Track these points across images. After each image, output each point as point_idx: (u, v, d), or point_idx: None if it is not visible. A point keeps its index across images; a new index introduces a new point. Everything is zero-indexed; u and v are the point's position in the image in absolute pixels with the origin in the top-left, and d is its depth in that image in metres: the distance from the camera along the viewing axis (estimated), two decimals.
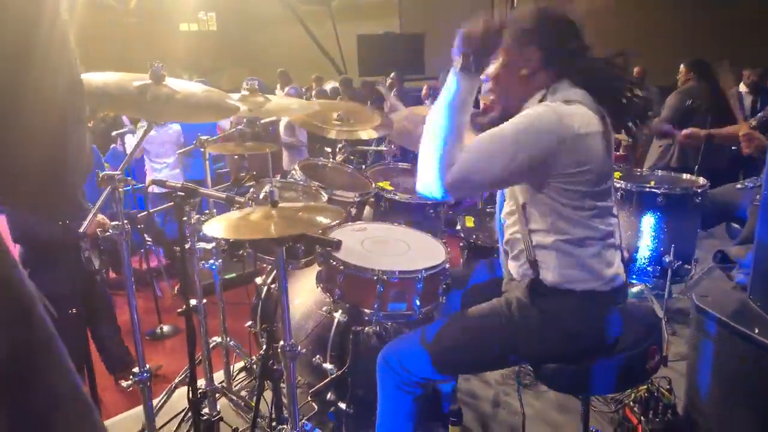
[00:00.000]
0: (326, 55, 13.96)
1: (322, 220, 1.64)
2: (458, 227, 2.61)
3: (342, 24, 13.85)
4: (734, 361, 2.04)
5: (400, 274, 1.92)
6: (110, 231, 1.71)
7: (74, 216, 2.09)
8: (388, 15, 13.81)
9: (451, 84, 1.57)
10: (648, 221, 3.10)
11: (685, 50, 5.94)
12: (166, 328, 3.76)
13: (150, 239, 4.16)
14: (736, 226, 3.32)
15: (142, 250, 4.24)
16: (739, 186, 3.39)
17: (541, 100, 1.61)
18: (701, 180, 3.21)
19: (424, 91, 8.11)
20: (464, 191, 1.57)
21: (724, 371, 2.09)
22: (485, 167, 1.51)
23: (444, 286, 2.03)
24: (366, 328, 2.08)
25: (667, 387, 2.41)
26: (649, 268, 3.13)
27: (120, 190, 1.69)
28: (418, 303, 1.95)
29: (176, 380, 2.57)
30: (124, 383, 2.04)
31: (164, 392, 2.51)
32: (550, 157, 1.51)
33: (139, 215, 1.92)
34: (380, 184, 2.63)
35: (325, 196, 2.31)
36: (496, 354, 1.74)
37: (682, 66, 5.38)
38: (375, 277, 1.89)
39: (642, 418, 2.39)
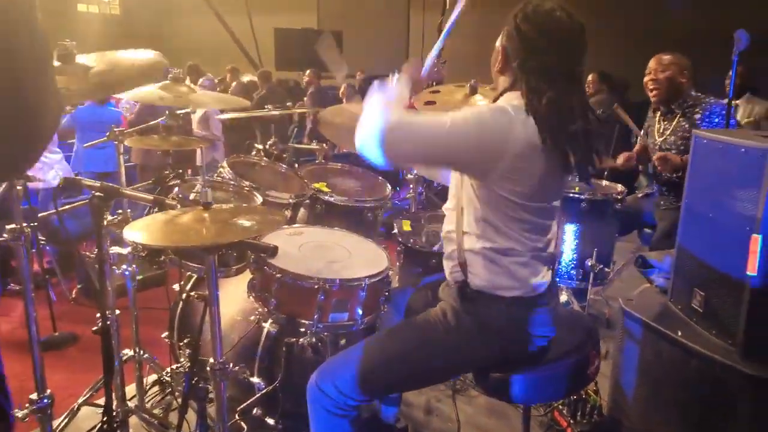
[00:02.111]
0: (240, 47, 13.51)
1: (261, 225, 1.51)
2: (395, 231, 2.55)
3: (257, 16, 13.48)
4: (658, 362, 2.10)
5: (342, 282, 1.82)
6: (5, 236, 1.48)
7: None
8: (306, 10, 13.60)
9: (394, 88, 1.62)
10: (571, 226, 3.18)
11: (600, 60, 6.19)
12: (60, 335, 3.39)
13: (44, 238, 3.78)
14: (649, 231, 3.49)
15: (34, 250, 3.82)
16: (640, 195, 3.58)
17: (496, 99, 1.60)
18: (619, 186, 3.35)
19: (342, 89, 8.00)
20: (400, 152, 1.50)
21: (649, 372, 2.16)
22: (425, 132, 1.50)
23: (386, 294, 1.95)
24: (300, 340, 1.95)
25: (594, 388, 2.46)
26: (572, 271, 3.22)
27: (18, 187, 1.46)
28: (360, 312, 1.86)
29: (80, 400, 2.32)
30: (19, 413, 1.75)
31: (66, 413, 2.26)
32: (490, 153, 1.48)
33: (40, 215, 1.68)
34: (316, 185, 2.51)
35: (259, 198, 2.16)
36: (440, 367, 1.71)
37: (592, 76, 5.63)
38: (316, 286, 1.78)
39: (571, 420, 2.44)
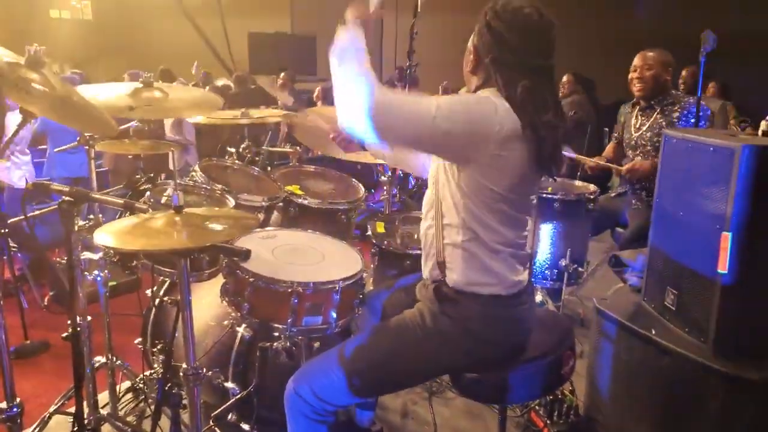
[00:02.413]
0: (214, 51, 13.40)
1: (234, 228, 1.49)
2: (369, 233, 2.53)
3: (230, 20, 13.38)
4: (633, 360, 2.13)
5: (315, 285, 1.80)
6: None
7: None
8: (279, 14, 13.54)
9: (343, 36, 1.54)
10: (545, 226, 3.21)
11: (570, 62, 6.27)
12: (32, 343, 3.32)
13: (15, 244, 3.69)
14: (621, 230, 3.53)
15: (5, 257, 3.73)
16: (613, 195, 3.63)
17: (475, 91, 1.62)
18: (592, 187, 3.38)
19: (316, 93, 7.99)
20: (390, 132, 1.48)
21: (624, 371, 2.18)
22: (412, 111, 1.47)
23: (360, 296, 1.94)
24: (275, 344, 1.93)
25: (570, 388, 2.48)
26: (546, 271, 3.24)
27: None
28: (334, 316, 1.84)
29: (52, 408, 2.26)
30: None
31: (37, 422, 2.20)
32: (477, 136, 1.49)
33: (9, 221, 1.64)
34: (289, 187, 2.49)
35: (231, 201, 2.13)
36: (420, 369, 1.71)
37: (567, 76, 5.68)
38: (290, 290, 1.76)
39: (547, 420, 2.45)
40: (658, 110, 3.17)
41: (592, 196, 3.23)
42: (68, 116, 1.62)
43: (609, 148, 3.67)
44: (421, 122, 1.46)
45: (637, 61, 3.19)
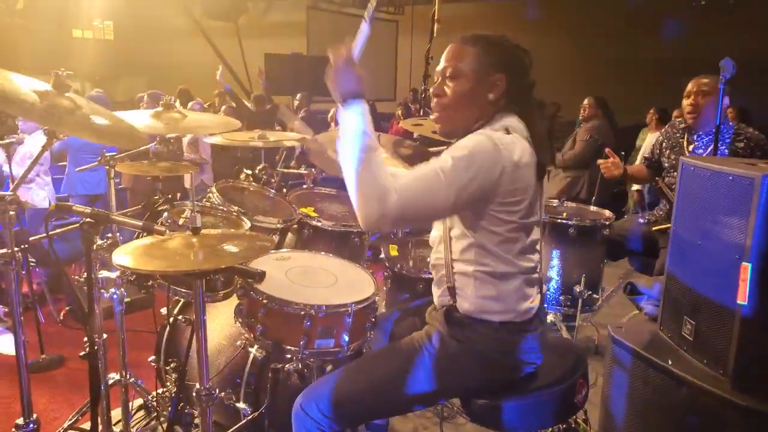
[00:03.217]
0: (231, 72, 13.62)
1: (251, 250, 1.50)
2: (382, 255, 2.54)
3: (247, 41, 13.60)
4: (648, 391, 2.09)
5: (328, 308, 1.80)
6: None
7: None
8: (295, 35, 13.74)
9: (344, 120, 1.49)
10: (559, 251, 3.19)
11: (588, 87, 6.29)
12: (47, 358, 3.34)
13: (34, 261, 3.75)
14: (638, 257, 3.49)
15: (24, 272, 3.78)
16: (628, 220, 3.59)
17: (484, 124, 1.61)
18: (607, 212, 3.36)
19: (331, 113, 8.07)
20: (411, 222, 1.50)
21: (639, 401, 2.14)
22: (428, 201, 1.46)
23: (372, 320, 1.94)
24: (286, 366, 1.92)
25: (584, 417, 2.44)
26: (561, 297, 3.21)
27: (11, 213, 1.45)
28: (346, 339, 1.84)
29: (66, 424, 2.27)
30: None
31: None
32: (490, 185, 1.49)
33: (31, 239, 1.67)
34: (303, 209, 2.51)
35: (247, 223, 2.15)
36: (427, 391, 1.68)
37: (588, 100, 5.64)
38: (302, 312, 1.76)
39: None
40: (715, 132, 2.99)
41: (607, 222, 3.21)
42: (97, 133, 1.64)
43: (639, 167, 3.55)
44: (435, 204, 1.47)
45: (691, 87, 3.04)
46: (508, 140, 1.51)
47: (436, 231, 1.73)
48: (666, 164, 3.28)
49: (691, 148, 3.13)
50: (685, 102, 3.07)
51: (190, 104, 6.64)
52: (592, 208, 3.51)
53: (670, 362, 1.99)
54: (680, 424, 1.96)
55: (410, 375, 1.65)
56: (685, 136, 3.19)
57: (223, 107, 7.58)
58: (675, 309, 2.13)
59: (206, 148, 5.55)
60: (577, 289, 3.15)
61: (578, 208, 3.45)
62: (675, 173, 3.18)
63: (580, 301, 3.13)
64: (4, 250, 1.50)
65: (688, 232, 2.07)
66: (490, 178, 1.47)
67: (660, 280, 2.33)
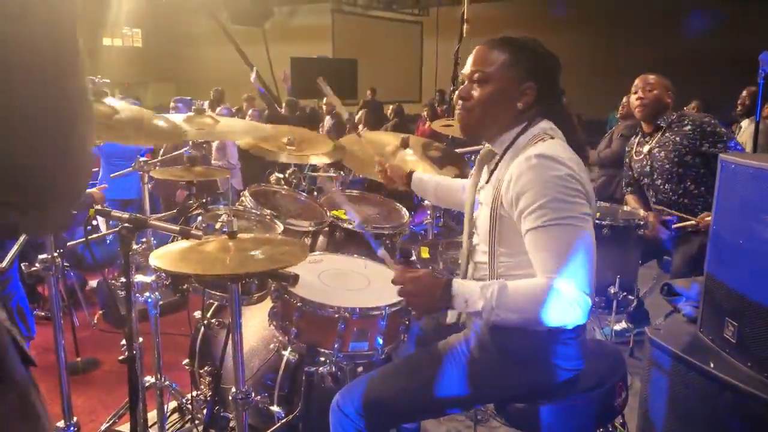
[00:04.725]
0: (259, 76, 13.77)
1: (287, 255, 1.50)
2: (413, 258, 2.52)
3: (273, 45, 13.73)
4: (690, 395, 2.04)
5: (362, 311, 1.80)
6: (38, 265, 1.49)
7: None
8: (321, 39, 13.84)
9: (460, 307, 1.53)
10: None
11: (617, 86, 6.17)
12: (83, 361, 3.40)
13: (68, 264, 3.83)
14: (668, 258, 3.42)
15: (59, 276, 3.87)
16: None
17: (520, 134, 1.59)
18: (641, 212, 3.29)
19: (359, 116, 8.11)
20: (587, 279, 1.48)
21: (680, 406, 2.09)
22: (583, 253, 1.45)
23: (406, 323, 1.92)
24: (320, 369, 1.92)
25: (621, 421, 2.39)
26: (595, 299, 3.15)
27: None
28: (380, 342, 1.83)
29: (103, 426, 2.31)
30: None
31: None
32: (586, 202, 1.49)
33: (68, 244, 1.70)
34: (335, 212, 2.51)
35: (280, 226, 2.16)
36: (461, 396, 1.67)
37: (626, 99, 5.54)
38: (336, 315, 1.76)
39: None
40: (665, 127, 3.14)
41: (641, 222, 3.14)
42: (135, 135, 1.67)
43: (632, 200, 3.53)
44: (588, 247, 1.47)
45: (638, 82, 3.22)
46: (565, 156, 1.49)
47: (482, 233, 1.69)
48: (636, 174, 3.36)
49: (646, 148, 3.23)
50: (633, 97, 3.24)
51: (218, 109, 6.73)
52: (626, 207, 3.43)
53: (712, 365, 1.94)
54: (724, 430, 1.91)
55: (447, 379, 1.64)
56: (636, 139, 3.34)
57: (250, 111, 7.66)
58: (716, 310, 2.08)
59: (233, 152, 5.61)
60: (612, 290, 3.08)
61: (612, 208, 3.38)
62: (645, 179, 3.30)
63: (615, 303, 3.07)
64: (44, 255, 1.53)
65: (728, 231, 2.02)
66: (579, 197, 1.47)
67: (698, 280, 2.27)
